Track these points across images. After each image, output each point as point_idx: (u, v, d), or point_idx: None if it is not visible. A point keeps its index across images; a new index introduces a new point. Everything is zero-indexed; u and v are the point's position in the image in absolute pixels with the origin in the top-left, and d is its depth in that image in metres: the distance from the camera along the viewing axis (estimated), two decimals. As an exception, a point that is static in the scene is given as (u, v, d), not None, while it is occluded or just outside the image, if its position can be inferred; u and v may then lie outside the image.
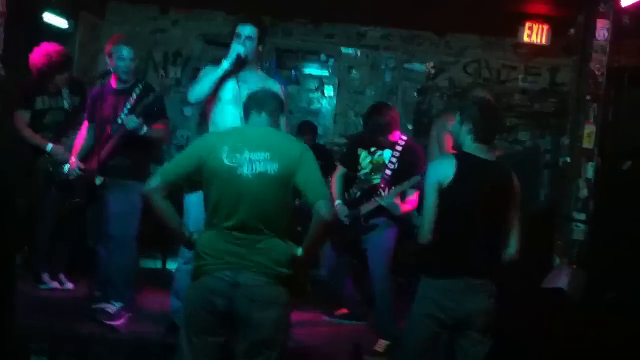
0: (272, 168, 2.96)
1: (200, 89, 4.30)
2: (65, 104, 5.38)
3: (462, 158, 3.26)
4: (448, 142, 4.76)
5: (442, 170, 3.24)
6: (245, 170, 2.95)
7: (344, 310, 5.44)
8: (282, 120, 3.64)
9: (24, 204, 5.00)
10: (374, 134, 4.98)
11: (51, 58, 5.25)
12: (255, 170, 2.95)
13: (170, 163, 3.15)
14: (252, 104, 3.19)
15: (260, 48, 4.39)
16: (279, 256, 2.99)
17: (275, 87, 4.14)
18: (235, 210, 2.95)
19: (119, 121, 4.78)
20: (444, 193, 3.20)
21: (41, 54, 5.27)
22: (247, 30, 4.26)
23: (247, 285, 2.92)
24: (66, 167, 5.07)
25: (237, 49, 4.23)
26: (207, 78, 4.29)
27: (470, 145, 3.29)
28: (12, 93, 5.53)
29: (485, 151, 3.30)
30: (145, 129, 4.72)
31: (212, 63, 4.55)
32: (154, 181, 3.03)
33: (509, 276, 3.42)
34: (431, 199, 3.22)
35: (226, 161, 2.97)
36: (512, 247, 3.31)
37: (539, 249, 5.16)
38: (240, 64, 4.27)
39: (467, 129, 3.30)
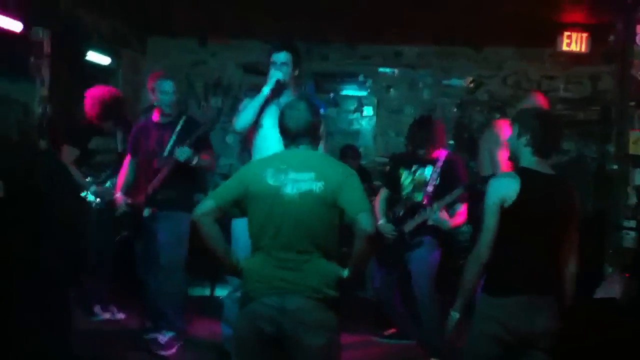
0: (317, 187, 2.96)
1: (244, 117, 4.40)
2: (118, 146, 5.50)
3: (526, 175, 3.09)
4: (501, 155, 4.75)
5: (504, 189, 3.07)
6: (290, 190, 2.96)
7: (393, 330, 5.41)
8: (321, 145, 3.68)
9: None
10: (416, 148, 4.98)
11: (105, 100, 5.40)
12: (300, 190, 2.96)
13: (219, 188, 3.17)
14: (288, 141, 3.18)
15: (296, 73, 4.47)
16: (326, 278, 2.97)
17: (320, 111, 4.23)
18: (280, 230, 2.95)
19: (165, 154, 4.87)
20: (508, 212, 3.05)
21: (94, 96, 5.43)
22: (281, 57, 4.37)
23: (294, 310, 2.90)
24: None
25: (276, 74, 4.34)
26: (250, 105, 4.39)
27: (530, 160, 3.14)
28: (59, 130, 5.70)
29: (545, 164, 3.15)
30: (196, 159, 4.81)
31: (251, 91, 4.62)
32: (204, 206, 3.04)
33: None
34: (492, 219, 3.06)
35: (270, 182, 2.98)
36: (573, 265, 3.20)
37: (589, 259, 5.07)
38: (279, 89, 4.37)
39: (525, 142, 3.14)
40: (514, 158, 3.22)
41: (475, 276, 3.13)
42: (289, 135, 3.14)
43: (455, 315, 3.18)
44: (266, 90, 4.34)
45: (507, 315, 3.06)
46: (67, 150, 5.39)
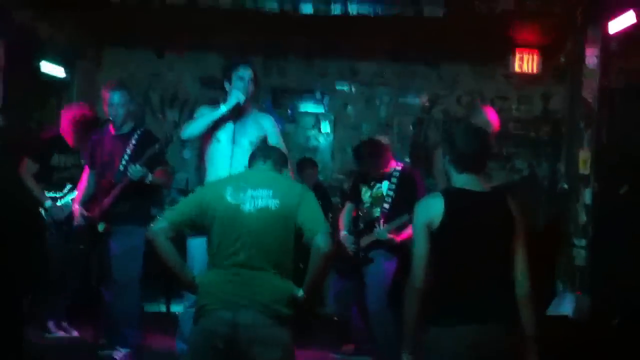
0: (273, 204, 3.00)
1: (193, 128, 4.40)
2: (81, 162, 5.44)
3: (450, 194, 2.92)
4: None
5: (429, 211, 2.89)
6: (248, 207, 3.00)
7: (351, 346, 5.43)
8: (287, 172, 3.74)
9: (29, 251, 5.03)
10: (366, 170, 5.12)
11: (80, 120, 5.35)
12: (257, 206, 3.00)
13: (175, 207, 3.21)
14: (258, 154, 3.31)
15: (253, 91, 4.45)
16: (279, 295, 2.98)
17: (268, 121, 4.30)
18: (236, 246, 2.98)
19: (121, 168, 4.82)
20: (436, 235, 2.86)
21: (70, 115, 5.38)
22: (247, 73, 4.35)
23: (247, 325, 2.89)
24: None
25: (238, 96, 4.27)
26: (202, 119, 4.37)
27: (457, 178, 2.95)
28: (14, 141, 5.59)
29: (476, 181, 2.94)
30: (150, 177, 4.76)
31: (208, 104, 4.62)
32: (159, 224, 3.07)
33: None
34: (421, 243, 2.88)
35: (229, 199, 3.02)
36: (523, 284, 2.90)
37: (541, 276, 5.17)
38: (237, 110, 4.34)
39: (449, 159, 2.97)
40: (447, 178, 3.03)
41: (415, 305, 2.88)
42: (254, 159, 3.30)
43: (405, 356, 2.92)
44: (224, 109, 4.31)
45: (452, 345, 2.80)
46: (26, 163, 5.30)
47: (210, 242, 3.06)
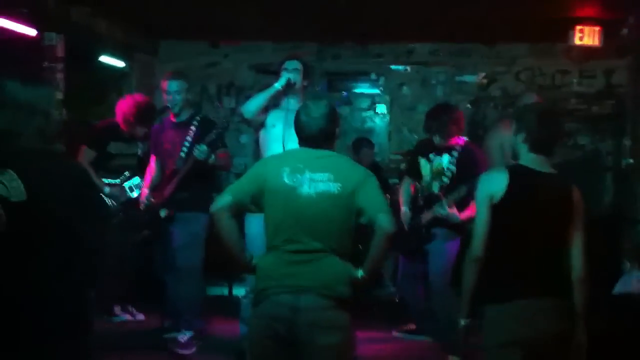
0: (334, 187, 2.94)
1: (251, 104, 4.61)
2: (139, 150, 5.57)
3: (516, 171, 3.00)
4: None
5: (492, 185, 2.99)
6: (306, 189, 2.94)
7: (411, 326, 5.41)
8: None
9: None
10: (433, 134, 4.98)
11: (139, 109, 5.45)
12: (317, 189, 2.94)
13: (235, 183, 3.15)
14: (302, 143, 3.15)
15: (305, 83, 4.63)
16: (340, 277, 2.95)
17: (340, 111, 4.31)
18: (296, 229, 2.94)
19: (182, 155, 4.91)
20: (496, 209, 2.96)
21: (129, 104, 5.49)
22: (293, 64, 4.60)
23: (307, 308, 2.88)
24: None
25: (287, 74, 4.53)
26: (259, 95, 4.60)
27: (526, 157, 3.04)
28: (75, 133, 5.74)
29: (543, 162, 3.03)
30: (213, 157, 4.84)
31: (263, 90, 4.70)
32: (223, 200, 3.01)
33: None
34: (482, 215, 2.99)
35: (287, 181, 2.96)
36: (578, 268, 3.00)
37: (606, 255, 5.05)
38: (289, 87, 4.50)
39: (522, 139, 3.05)
40: (514, 155, 3.12)
41: (473, 274, 2.99)
42: (303, 139, 3.13)
43: (462, 321, 3.05)
44: (277, 85, 4.52)
45: (513, 320, 2.93)
46: (84, 151, 5.45)
47: (267, 224, 3.03)
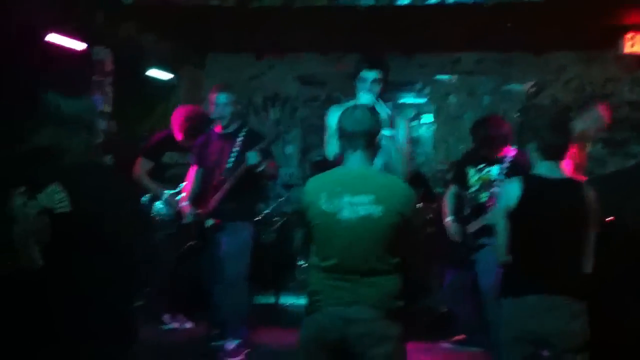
0: (377, 211, 2.92)
1: (332, 146, 3.86)
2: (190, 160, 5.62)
3: (528, 180, 3.19)
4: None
5: (507, 194, 3.21)
6: (347, 215, 2.92)
7: (462, 336, 5.33)
8: (393, 148, 3.80)
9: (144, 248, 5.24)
10: (481, 146, 4.92)
11: (193, 119, 5.54)
12: (358, 214, 2.92)
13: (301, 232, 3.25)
14: (345, 142, 3.11)
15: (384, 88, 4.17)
16: (390, 290, 2.96)
17: (403, 129, 4.14)
18: (340, 254, 2.94)
19: (229, 165, 4.94)
20: (513, 216, 3.17)
21: (182, 113, 5.59)
22: (372, 75, 4.05)
23: (358, 320, 2.89)
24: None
25: (366, 98, 3.95)
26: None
27: (539, 164, 3.21)
28: (124, 145, 5.84)
29: (556, 168, 3.20)
30: (263, 166, 4.87)
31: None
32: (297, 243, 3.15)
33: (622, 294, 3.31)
34: (500, 224, 3.23)
35: (324, 208, 2.95)
36: (585, 266, 3.20)
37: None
38: None
39: (534, 147, 3.21)
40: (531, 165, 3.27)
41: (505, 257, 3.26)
42: (346, 136, 3.09)
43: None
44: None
45: (526, 315, 3.12)
46: (140, 162, 5.54)
47: (314, 250, 3.05)
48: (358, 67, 4.11)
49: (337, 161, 3.80)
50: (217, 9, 5.92)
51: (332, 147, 3.90)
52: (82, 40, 5.65)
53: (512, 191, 3.18)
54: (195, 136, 5.46)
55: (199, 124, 5.55)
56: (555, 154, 3.18)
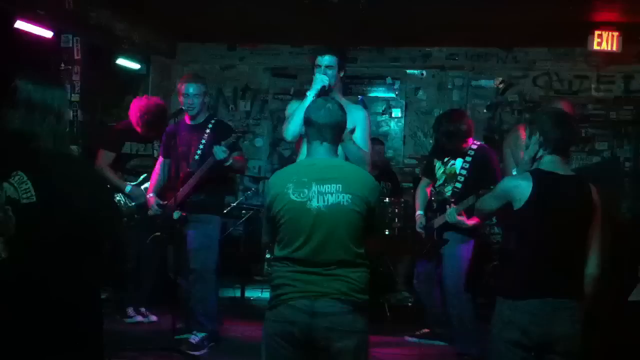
0: (345, 199, 2.92)
1: (293, 126, 4.05)
2: (155, 152, 5.57)
3: (539, 176, 3.05)
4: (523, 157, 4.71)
5: (517, 188, 3.06)
6: (315, 203, 2.92)
7: (426, 330, 5.38)
8: (363, 143, 3.78)
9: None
10: (444, 141, 4.96)
11: (151, 112, 5.48)
12: (327, 202, 2.92)
13: (264, 223, 3.24)
14: (313, 133, 3.10)
15: (341, 74, 4.24)
16: (356, 283, 2.95)
17: (359, 114, 4.15)
18: (308, 243, 2.92)
19: (197, 158, 4.90)
20: (522, 213, 3.02)
21: (140, 105, 5.52)
22: (326, 59, 4.11)
23: (325, 313, 2.87)
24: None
25: (321, 79, 4.07)
26: (297, 112, 4.03)
27: (545, 159, 3.10)
28: (92, 135, 5.78)
29: (560, 164, 3.10)
30: (231, 160, 4.84)
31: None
32: (264, 239, 3.13)
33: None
34: (494, 205, 3.19)
35: (293, 197, 2.94)
36: (592, 266, 3.08)
37: (624, 262, 4.98)
38: (323, 94, 4.08)
39: (538, 141, 3.11)
40: (530, 160, 3.16)
41: None
42: (315, 127, 3.08)
43: None
44: (311, 95, 4.05)
45: (527, 319, 2.98)
46: (102, 154, 5.48)
47: (279, 238, 3.02)
48: (314, 54, 4.18)
49: (297, 143, 4.09)
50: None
51: (292, 127, 4.01)
52: (51, 27, 5.57)
53: (523, 186, 3.03)
54: (153, 129, 5.41)
55: (155, 118, 5.50)
56: (560, 149, 3.09)
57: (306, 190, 2.94)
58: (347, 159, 3.71)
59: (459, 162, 4.93)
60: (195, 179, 4.89)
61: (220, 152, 4.75)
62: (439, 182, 5.05)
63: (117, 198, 5.46)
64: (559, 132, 3.10)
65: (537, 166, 3.11)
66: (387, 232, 5.52)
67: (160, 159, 5.19)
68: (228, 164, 4.84)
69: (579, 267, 3.08)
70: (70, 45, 6.18)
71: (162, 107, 5.68)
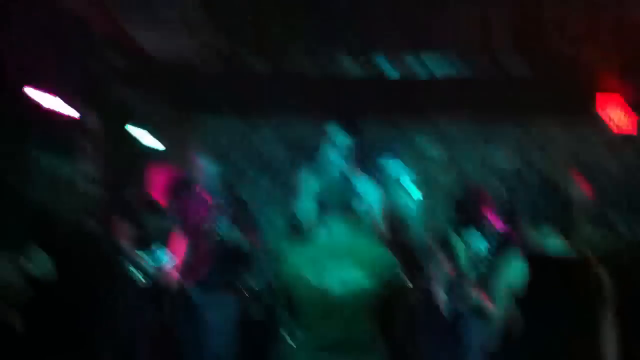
0: (367, 283, 2.91)
1: (306, 207, 4.07)
2: (171, 225, 5.52)
3: (532, 258, 2.95)
4: None
5: (510, 274, 2.99)
6: (337, 289, 2.90)
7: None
8: (379, 219, 3.73)
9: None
10: (465, 220, 4.92)
11: (169, 182, 5.50)
12: (348, 287, 2.90)
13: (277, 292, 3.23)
14: (329, 210, 3.09)
15: (355, 150, 4.38)
16: None
17: (375, 190, 4.17)
18: (328, 328, 2.92)
19: (214, 233, 4.90)
20: (521, 299, 2.93)
21: (159, 176, 5.55)
22: (344, 141, 4.27)
23: None
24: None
25: (335, 163, 4.17)
26: (306, 190, 4.12)
27: (539, 239, 3.00)
28: (111, 210, 5.78)
29: (560, 242, 2.96)
30: (240, 236, 4.82)
31: (294, 167, 4.63)
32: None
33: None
34: (500, 306, 3.04)
35: (313, 282, 2.92)
36: (609, 347, 2.92)
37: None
38: (335, 169, 4.23)
39: (530, 221, 3.04)
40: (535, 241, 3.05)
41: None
42: (330, 205, 3.08)
43: None
44: (321, 168, 4.23)
45: None
46: (121, 228, 5.44)
47: (298, 323, 3.02)
48: (331, 132, 4.20)
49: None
50: (206, 71, 5.98)
51: (305, 209, 3.93)
52: (71, 102, 5.65)
53: (515, 270, 2.95)
54: (172, 200, 5.41)
55: (174, 188, 5.49)
56: (551, 222, 2.97)
57: (327, 274, 2.91)
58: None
59: (482, 244, 4.89)
60: (209, 259, 4.86)
61: (225, 229, 4.75)
62: (460, 262, 4.99)
63: (136, 273, 5.39)
64: (557, 211, 2.98)
65: (534, 247, 3.03)
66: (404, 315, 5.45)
67: (176, 233, 5.16)
68: (238, 240, 4.78)
69: (589, 349, 2.93)
70: (91, 120, 6.26)
71: (181, 177, 5.68)
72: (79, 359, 2.63)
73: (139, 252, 5.47)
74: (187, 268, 5.07)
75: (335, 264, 2.93)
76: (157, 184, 5.61)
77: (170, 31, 5.86)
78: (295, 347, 3.07)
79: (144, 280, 5.42)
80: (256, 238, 5.11)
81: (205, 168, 5.06)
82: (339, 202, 3.06)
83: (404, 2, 5.65)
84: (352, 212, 3.08)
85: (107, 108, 6.20)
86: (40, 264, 2.55)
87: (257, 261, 7.13)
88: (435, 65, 5.83)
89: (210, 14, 5.95)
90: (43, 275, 2.53)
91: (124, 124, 6.74)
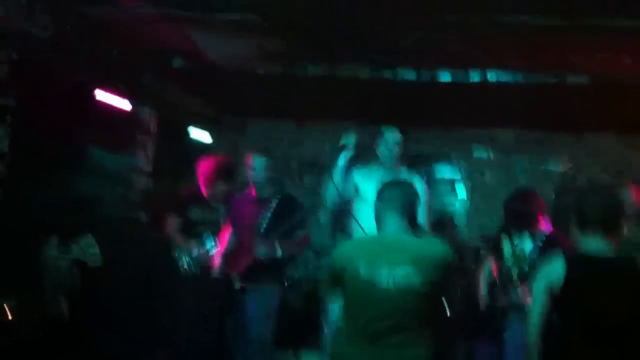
0: (417, 282, 2.93)
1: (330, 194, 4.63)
2: (220, 218, 5.57)
3: (572, 259, 2.92)
4: None
5: (549, 274, 2.94)
6: (386, 284, 2.92)
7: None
8: (422, 216, 3.76)
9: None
10: (513, 222, 4.89)
11: (219, 166, 5.54)
12: (397, 284, 2.92)
13: (321, 280, 3.33)
14: (382, 206, 3.15)
15: (403, 151, 4.66)
16: None
17: (418, 183, 4.22)
18: (375, 323, 2.94)
19: (261, 230, 4.96)
20: (559, 299, 2.90)
21: (209, 162, 5.60)
22: (395, 137, 4.65)
23: None
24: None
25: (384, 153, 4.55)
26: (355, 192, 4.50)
27: (583, 240, 2.93)
28: (162, 203, 5.91)
29: (603, 245, 2.90)
30: (280, 252, 4.91)
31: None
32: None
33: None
34: (537, 303, 2.98)
35: (363, 275, 2.96)
36: None
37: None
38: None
39: (575, 222, 2.96)
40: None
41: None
42: (379, 212, 3.15)
43: None
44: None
45: None
46: (171, 220, 5.54)
47: (345, 314, 3.05)
48: (380, 131, 4.65)
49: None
50: (262, 75, 6.08)
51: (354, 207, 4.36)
52: (129, 99, 5.83)
53: (554, 271, 2.91)
54: (222, 183, 5.42)
55: (225, 170, 5.48)
56: (598, 226, 2.90)
57: (377, 270, 2.94)
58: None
59: (528, 245, 4.83)
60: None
61: (262, 252, 4.89)
62: (508, 263, 4.94)
63: (182, 261, 5.46)
64: (595, 210, 2.92)
65: (579, 250, 2.98)
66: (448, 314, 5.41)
67: (226, 227, 5.26)
68: (277, 255, 4.90)
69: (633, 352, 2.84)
70: (146, 116, 6.45)
71: (231, 162, 5.70)
72: (126, 344, 2.71)
73: (188, 242, 5.57)
74: (232, 258, 5.14)
75: (386, 258, 2.96)
76: (204, 167, 5.63)
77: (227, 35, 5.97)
78: (339, 337, 3.09)
79: (191, 270, 5.51)
80: (305, 240, 5.17)
81: (255, 165, 5.11)
82: (394, 200, 3.12)
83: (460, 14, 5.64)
84: (405, 210, 3.12)
85: (162, 104, 6.38)
86: (92, 253, 2.65)
87: (302, 255, 7.22)
88: (491, 74, 5.79)
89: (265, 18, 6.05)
90: (94, 263, 2.63)
91: (180, 122, 6.93)
